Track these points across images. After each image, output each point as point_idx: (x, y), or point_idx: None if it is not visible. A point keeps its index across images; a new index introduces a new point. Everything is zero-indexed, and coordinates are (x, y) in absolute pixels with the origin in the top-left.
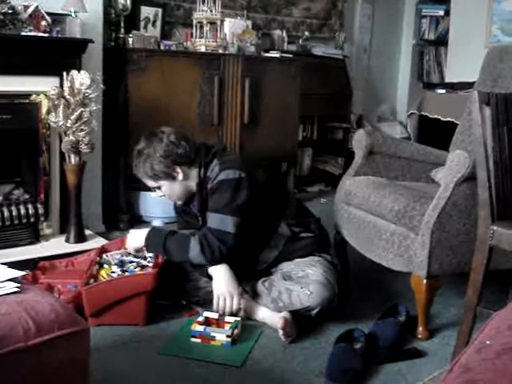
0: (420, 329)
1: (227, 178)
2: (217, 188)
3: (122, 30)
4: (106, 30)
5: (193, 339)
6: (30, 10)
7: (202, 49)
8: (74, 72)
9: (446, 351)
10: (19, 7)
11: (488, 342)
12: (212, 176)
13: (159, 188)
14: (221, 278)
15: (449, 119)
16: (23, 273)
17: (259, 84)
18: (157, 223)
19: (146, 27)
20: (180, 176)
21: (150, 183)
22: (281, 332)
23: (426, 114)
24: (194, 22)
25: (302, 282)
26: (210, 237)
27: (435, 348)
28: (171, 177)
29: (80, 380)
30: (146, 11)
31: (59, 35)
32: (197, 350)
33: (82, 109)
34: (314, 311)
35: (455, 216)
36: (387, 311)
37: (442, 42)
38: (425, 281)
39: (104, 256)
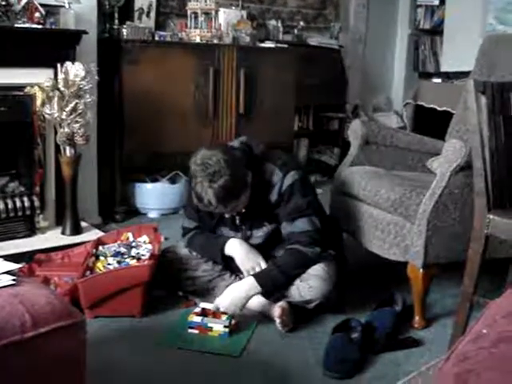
0: (416, 318)
1: (294, 179)
2: (290, 193)
3: (116, 21)
4: (100, 22)
5: (190, 330)
6: (23, 2)
7: (197, 39)
8: (68, 64)
9: (443, 340)
10: None
11: (484, 331)
12: (275, 181)
13: (235, 206)
14: (242, 253)
15: (444, 108)
16: (19, 265)
17: (254, 74)
18: (153, 215)
19: (140, 18)
20: (250, 177)
21: (233, 204)
22: (278, 321)
23: (422, 103)
24: (189, 13)
25: (301, 275)
26: (315, 237)
27: (432, 337)
28: (248, 183)
29: (77, 372)
30: (140, 2)
31: (53, 27)
32: (194, 341)
33: (77, 100)
34: (312, 304)
35: (451, 205)
36: (384, 301)
37: (437, 31)
38: (421, 270)
39: (100, 248)
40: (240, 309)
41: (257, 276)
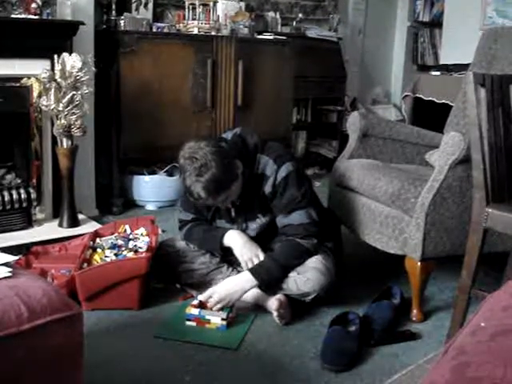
0: (414, 311)
1: (288, 171)
2: (285, 185)
3: (114, 12)
4: (98, 12)
5: (188, 323)
6: None
7: (195, 31)
8: (65, 55)
9: (441, 333)
10: None
11: (482, 324)
12: (270, 173)
13: (227, 197)
14: (241, 244)
15: (443, 101)
16: (16, 258)
17: (253, 66)
18: (150, 207)
19: (137, 9)
20: (241, 167)
21: (223, 195)
22: (275, 314)
23: (421, 96)
24: (187, 4)
25: (299, 268)
26: (312, 230)
27: (429, 330)
28: (238, 174)
29: (74, 365)
30: None
31: (50, 17)
32: (192, 334)
33: (74, 92)
34: (310, 297)
35: (449, 198)
36: (381, 294)
37: (436, 23)
38: (419, 263)
39: (97, 240)
40: (234, 301)
41: (253, 270)
